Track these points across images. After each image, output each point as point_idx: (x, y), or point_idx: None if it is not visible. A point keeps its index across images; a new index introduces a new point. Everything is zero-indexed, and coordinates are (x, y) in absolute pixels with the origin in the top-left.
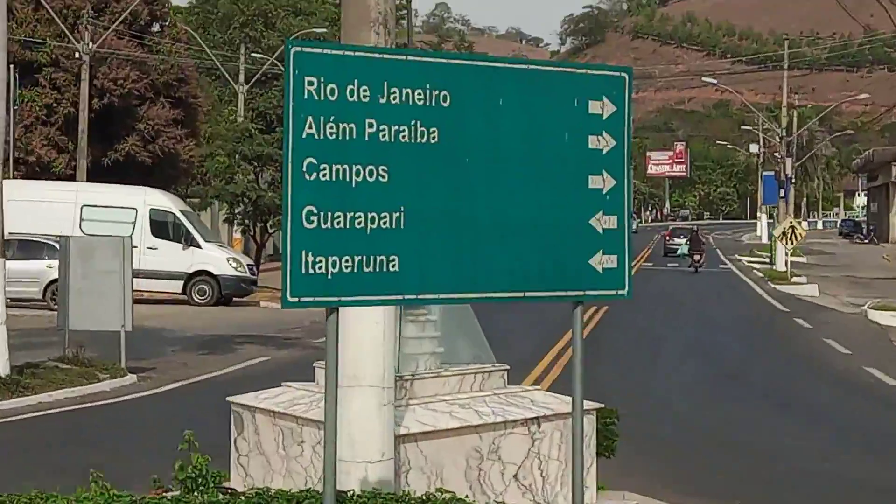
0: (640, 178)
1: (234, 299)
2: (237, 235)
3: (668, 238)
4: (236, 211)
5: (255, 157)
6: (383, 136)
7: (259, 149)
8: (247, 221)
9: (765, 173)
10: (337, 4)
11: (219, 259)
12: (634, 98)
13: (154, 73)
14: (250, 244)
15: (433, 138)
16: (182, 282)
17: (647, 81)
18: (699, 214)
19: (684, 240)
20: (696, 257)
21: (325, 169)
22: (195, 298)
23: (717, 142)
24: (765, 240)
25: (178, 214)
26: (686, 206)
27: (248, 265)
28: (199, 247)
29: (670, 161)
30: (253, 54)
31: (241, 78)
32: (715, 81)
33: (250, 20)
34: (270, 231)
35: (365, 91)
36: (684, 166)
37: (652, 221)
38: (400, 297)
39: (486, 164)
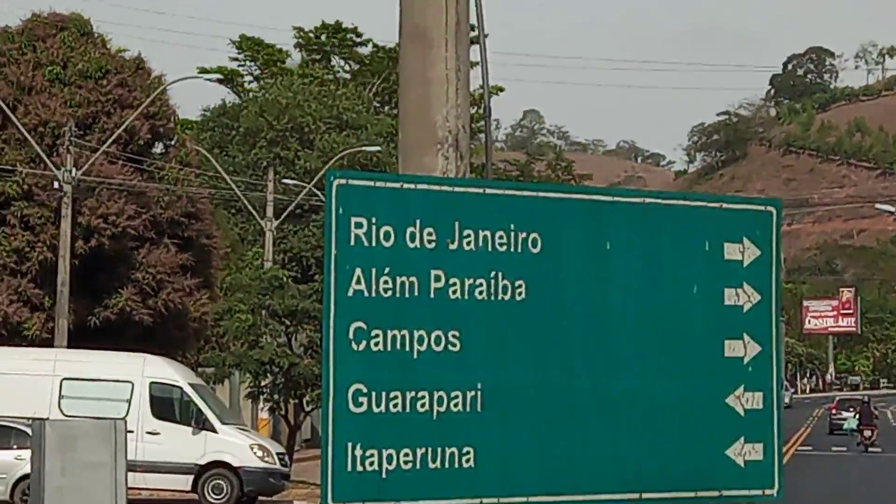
0: (795, 335)
1: (261, 498)
2: (264, 415)
3: (833, 412)
4: (263, 384)
5: (288, 313)
6: (454, 292)
7: (292, 303)
8: (276, 397)
9: None
10: (394, 116)
11: (240, 446)
12: (787, 231)
13: (156, 207)
14: (281, 426)
15: (519, 295)
16: (192, 476)
17: (803, 210)
18: (874, 382)
19: (853, 413)
20: (867, 433)
21: (377, 336)
22: (209, 498)
23: None
24: None
25: (187, 389)
26: (856, 370)
27: (277, 454)
28: (213, 430)
29: (835, 313)
30: (284, 181)
31: (269, 212)
32: (893, 209)
33: (281, 137)
34: (307, 409)
35: (430, 234)
36: (853, 319)
37: (811, 392)
38: (477, 501)
39: (588, 329)
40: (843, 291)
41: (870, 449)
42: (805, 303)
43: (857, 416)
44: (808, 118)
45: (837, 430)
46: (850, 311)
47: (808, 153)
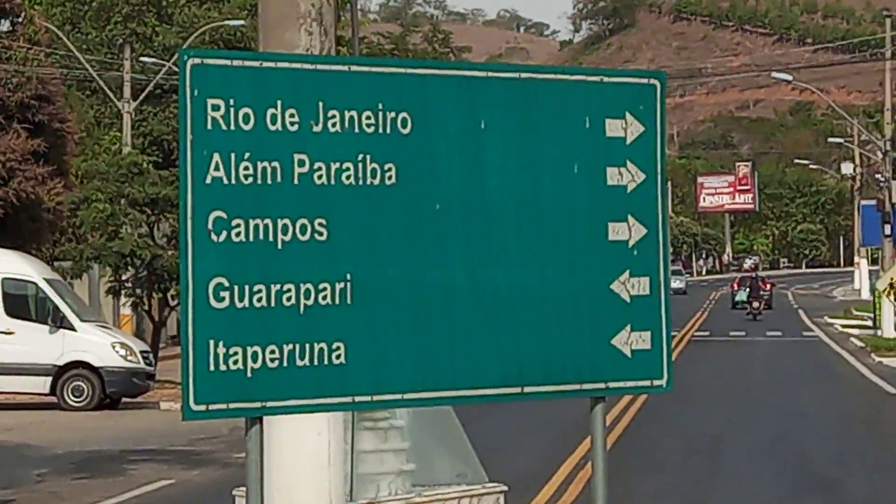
0: (690, 214)
1: (124, 400)
2: (126, 311)
3: (735, 290)
4: (124, 277)
5: (149, 201)
6: (319, 177)
7: (154, 190)
8: (139, 291)
9: (863, 203)
10: None
11: (101, 345)
12: (679, 103)
13: (3, 90)
14: (144, 323)
15: (389, 179)
16: (50, 378)
17: (696, 80)
18: (773, 262)
19: (745, 287)
20: (755, 304)
21: (238, 226)
22: (69, 400)
23: (796, 161)
24: (865, 295)
25: (42, 284)
26: (755, 250)
27: (141, 352)
28: (72, 329)
29: (731, 189)
30: (142, 59)
31: (127, 93)
32: (790, 78)
33: (137, 11)
34: (173, 304)
35: (293, 116)
36: (751, 196)
37: (707, 273)
38: (349, 399)
39: (463, 214)
40: (739, 166)
41: (758, 318)
42: (699, 179)
43: (748, 290)
44: None
45: (739, 307)
46: (748, 187)
47: (700, 20)
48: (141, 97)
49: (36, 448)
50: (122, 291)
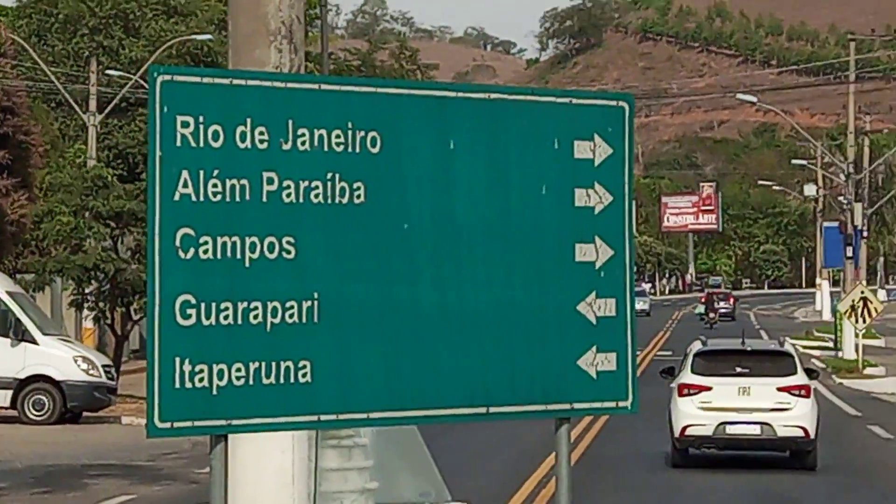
0: (654, 233)
1: (85, 414)
2: (88, 324)
3: (702, 304)
4: (87, 291)
5: (113, 215)
6: (288, 195)
7: (118, 203)
8: (102, 305)
9: (826, 224)
10: (226, 3)
11: (62, 358)
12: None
13: None
14: (107, 336)
15: (357, 197)
16: (10, 391)
17: (662, 100)
18: (736, 282)
19: (702, 301)
20: (711, 315)
21: (206, 243)
22: (29, 414)
23: (760, 182)
24: (827, 316)
25: (4, 297)
26: (718, 270)
27: (103, 366)
28: (34, 342)
29: (695, 209)
30: (108, 72)
31: (92, 105)
32: (755, 99)
33: (104, 24)
34: (136, 318)
35: (262, 134)
36: (714, 216)
37: (671, 293)
38: (314, 417)
39: (432, 234)
40: (703, 186)
41: (714, 326)
42: (664, 199)
43: (704, 304)
44: (665, 2)
45: (702, 322)
46: (711, 208)
47: (666, 40)
48: (107, 110)
49: None
50: (85, 305)
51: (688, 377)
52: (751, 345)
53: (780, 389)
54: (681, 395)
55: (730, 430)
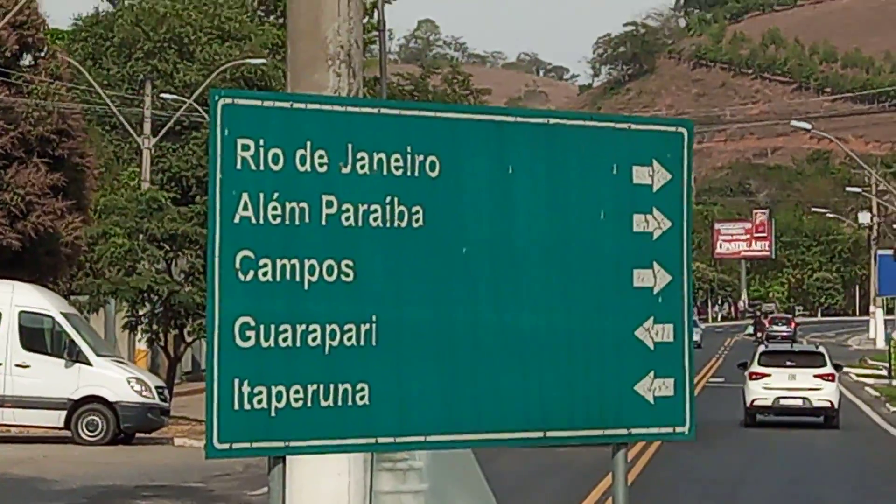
0: (706, 260)
1: (139, 435)
2: (142, 346)
3: (768, 326)
4: (140, 313)
5: (167, 237)
6: (347, 219)
7: (172, 226)
8: (155, 327)
9: (880, 252)
10: (279, 26)
11: (116, 380)
12: (698, 149)
13: (25, 124)
14: (160, 358)
15: (416, 221)
16: (65, 412)
17: (715, 127)
18: (789, 309)
19: (754, 323)
20: (759, 335)
21: (265, 266)
22: (83, 434)
23: (813, 209)
24: (881, 344)
25: (59, 318)
26: (771, 297)
27: (156, 388)
28: (88, 363)
29: (748, 236)
30: (162, 95)
31: (147, 128)
32: (809, 126)
33: (159, 48)
34: (189, 340)
35: (321, 157)
36: (767, 243)
37: (723, 320)
38: (372, 440)
39: (490, 258)
40: (756, 213)
41: (760, 340)
42: (717, 225)
43: (754, 325)
44: (719, 29)
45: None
46: (764, 235)
47: (719, 66)
48: (161, 133)
49: (50, 482)
50: (139, 326)
51: (755, 367)
52: (796, 347)
53: (815, 376)
54: (751, 379)
55: (782, 402)
